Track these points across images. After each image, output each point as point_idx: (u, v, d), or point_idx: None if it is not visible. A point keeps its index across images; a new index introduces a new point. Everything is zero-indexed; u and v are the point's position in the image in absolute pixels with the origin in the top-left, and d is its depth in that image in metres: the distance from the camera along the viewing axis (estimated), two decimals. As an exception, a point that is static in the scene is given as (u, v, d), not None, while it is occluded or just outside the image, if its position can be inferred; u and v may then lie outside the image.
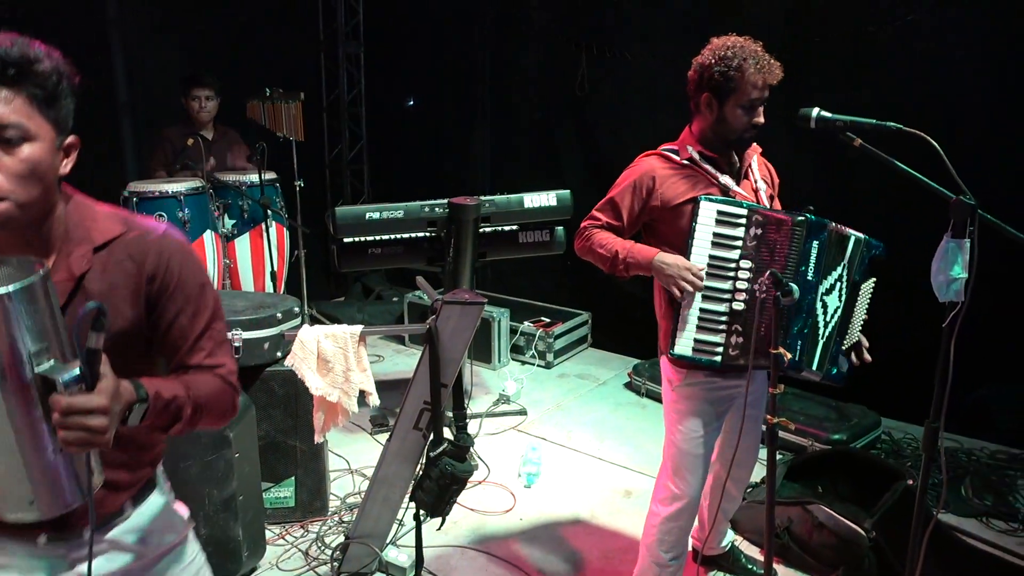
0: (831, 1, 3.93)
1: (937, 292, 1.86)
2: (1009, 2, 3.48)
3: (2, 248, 1.19)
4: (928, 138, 1.83)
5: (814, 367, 2.17)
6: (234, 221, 4.17)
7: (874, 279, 2.29)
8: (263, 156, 4.00)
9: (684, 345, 2.12)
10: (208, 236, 3.92)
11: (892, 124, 1.91)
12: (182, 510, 1.49)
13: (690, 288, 2.06)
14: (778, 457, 3.36)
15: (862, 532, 2.63)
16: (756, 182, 2.29)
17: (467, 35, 5.48)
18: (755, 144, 2.31)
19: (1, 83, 1.10)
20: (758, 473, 3.06)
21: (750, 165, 2.28)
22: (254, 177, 4.10)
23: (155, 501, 1.42)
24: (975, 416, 3.69)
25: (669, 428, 2.29)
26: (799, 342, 2.13)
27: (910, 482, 2.84)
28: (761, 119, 2.15)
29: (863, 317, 2.30)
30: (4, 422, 1.04)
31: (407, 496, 2.44)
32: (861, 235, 2.22)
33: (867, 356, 2.28)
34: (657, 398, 4.19)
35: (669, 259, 2.10)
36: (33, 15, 4.32)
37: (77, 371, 1.05)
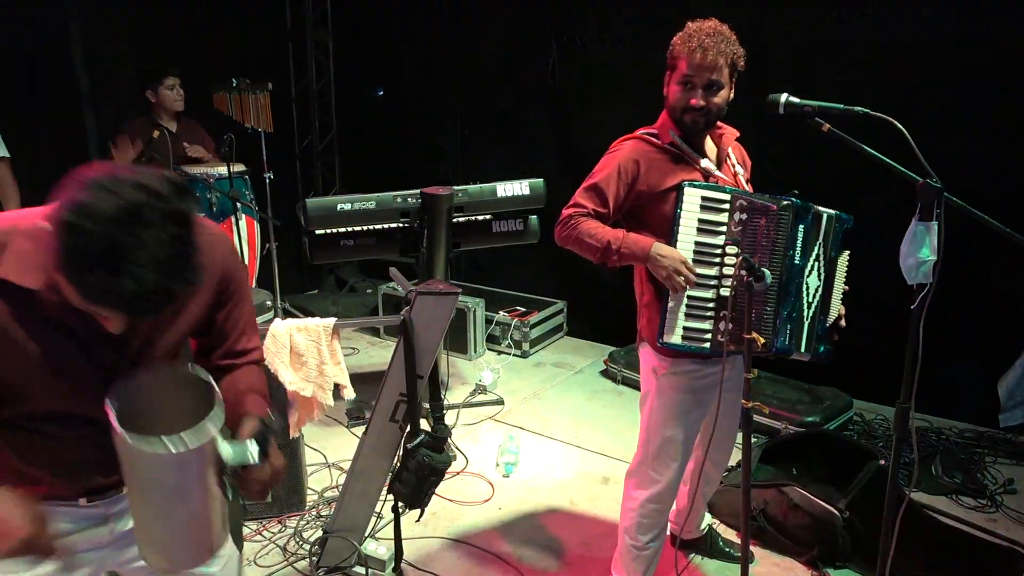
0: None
1: (906, 274, 1.89)
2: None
3: None
4: (894, 122, 1.85)
5: (803, 349, 2.20)
6: (203, 214, 4.09)
7: (848, 251, 2.32)
8: (231, 148, 3.94)
9: (675, 335, 2.11)
10: (176, 230, 3.85)
11: (859, 108, 1.92)
12: None
13: (683, 282, 2.05)
14: (753, 440, 3.41)
15: (836, 512, 2.67)
16: (734, 166, 2.31)
17: (436, 23, 5.43)
18: (734, 129, 2.32)
19: None
20: (734, 457, 3.09)
21: (727, 150, 2.29)
22: (222, 169, 4.04)
23: None
24: (944, 395, 3.77)
25: (651, 416, 2.29)
26: (788, 326, 2.15)
27: (882, 462, 2.89)
28: (700, 102, 2.10)
29: (843, 289, 2.33)
30: (201, 512, 1.24)
31: (385, 489, 2.43)
32: (832, 211, 2.24)
33: (841, 322, 2.32)
34: (634, 385, 4.22)
35: (665, 251, 2.07)
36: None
37: (259, 449, 1.28)
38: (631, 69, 4.42)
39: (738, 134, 2.34)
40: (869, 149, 1.89)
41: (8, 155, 3.67)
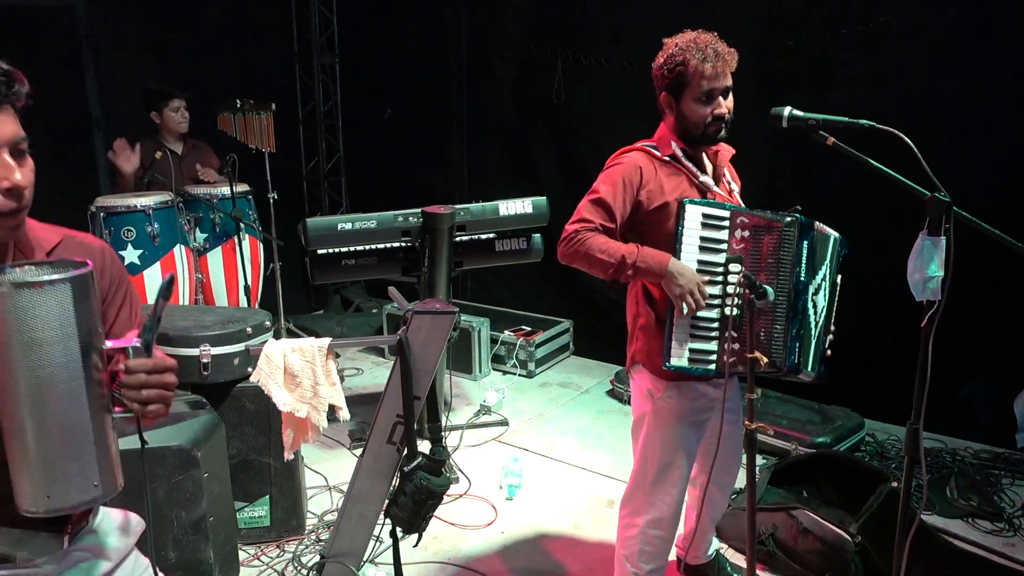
0: (804, 3, 3.93)
1: (914, 291, 1.84)
2: (980, 1, 3.49)
3: None
4: (900, 135, 1.81)
5: (809, 368, 2.15)
6: (206, 235, 4.10)
7: (840, 275, 2.29)
8: (234, 168, 3.93)
9: (680, 357, 2.05)
10: (178, 250, 3.84)
11: (864, 121, 1.89)
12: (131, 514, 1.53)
13: (694, 305, 1.99)
14: (762, 462, 3.34)
15: (847, 537, 2.59)
16: (730, 183, 2.27)
17: (442, 45, 5.45)
18: (729, 146, 2.28)
19: (5, 101, 1.16)
20: (741, 479, 3.02)
21: (723, 167, 2.26)
22: (225, 190, 4.03)
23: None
24: (958, 415, 3.68)
25: (647, 441, 2.23)
26: (797, 344, 2.10)
27: (894, 484, 2.81)
28: (723, 110, 2.09)
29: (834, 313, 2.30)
30: (80, 406, 1.10)
31: (383, 512, 2.38)
32: (836, 234, 2.21)
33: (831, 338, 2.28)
34: (640, 405, 4.15)
35: (684, 269, 2.01)
36: (4, 31, 4.25)
37: (142, 340, 1.17)
38: (634, 88, 4.40)
39: (733, 152, 2.30)
40: (875, 163, 1.84)
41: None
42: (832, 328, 2.26)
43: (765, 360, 1.87)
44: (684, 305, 2.00)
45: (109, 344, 1.17)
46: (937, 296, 1.79)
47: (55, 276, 1.06)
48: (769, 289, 1.89)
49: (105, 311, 1.36)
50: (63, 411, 1.09)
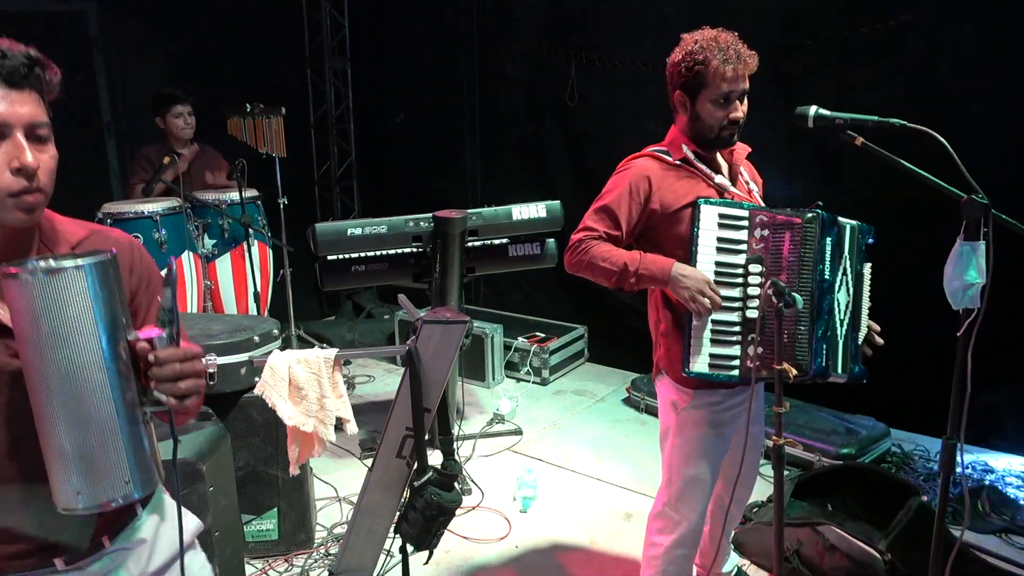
0: (823, 1, 3.83)
1: (951, 299, 1.74)
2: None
3: (2, 253, 1.16)
4: (935, 134, 1.72)
5: (839, 370, 2.05)
6: (215, 241, 4.04)
7: (870, 263, 2.18)
8: (243, 173, 3.88)
9: (700, 363, 1.98)
10: (187, 257, 3.80)
11: (896, 120, 1.80)
12: (188, 515, 1.46)
13: (708, 304, 1.92)
14: (784, 473, 3.23)
15: (876, 554, 2.48)
16: (748, 183, 2.19)
17: (454, 48, 5.38)
18: (745, 145, 2.20)
19: (28, 85, 1.13)
20: (761, 491, 2.93)
21: (739, 166, 2.17)
22: (234, 195, 3.98)
23: (160, 502, 1.42)
24: (989, 425, 3.55)
25: (672, 454, 2.15)
26: (824, 346, 2.00)
27: (924, 498, 2.70)
28: (739, 114, 2.01)
29: (867, 305, 2.18)
30: (107, 400, 1.08)
31: (393, 527, 2.30)
32: (854, 222, 2.11)
33: (878, 340, 2.17)
34: (657, 414, 4.05)
35: (688, 271, 1.94)
36: (15, 35, 4.20)
37: (167, 330, 1.12)
38: (649, 89, 4.30)
39: (749, 150, 2.21)
40: (908, 164, 1.75)
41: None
42: (868, 323, 2.15)
43: (794, 372, 1.77)
44: (696, 308, 1.93)
45: (135, 335, 1.12)
46: (976, 304, 1.70)
47: (72, 263, 1.04)
48: (798, 297, 1.80)
49: (135, 308, 1.31)
50: (89, 405, 1.07)
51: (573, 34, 4.73)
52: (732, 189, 2.09)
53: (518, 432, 3.99)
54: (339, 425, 2.14)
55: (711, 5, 3.97)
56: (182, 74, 4.84)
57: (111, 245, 1.27)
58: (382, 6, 5.78)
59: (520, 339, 4.72)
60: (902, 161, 1.77)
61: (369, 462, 3.59)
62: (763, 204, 2.17)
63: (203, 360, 1.18)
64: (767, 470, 2.71)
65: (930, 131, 1.69)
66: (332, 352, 2.03)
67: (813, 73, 3.85)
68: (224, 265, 4.08)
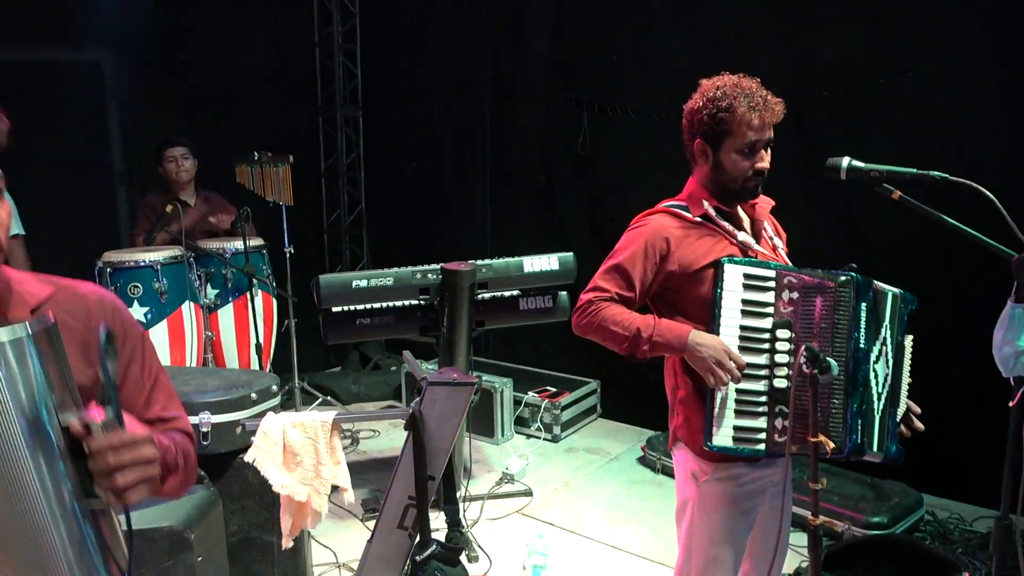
0: (840, 52, 3.76)
1: (1001, 366, 1.61)
2: (1021, 48, 3.29)
3: None
4: (981, 188, 1.60)
5: (875, 448, 1.88)
6: (217, 291, 3.95)
7: (911, 336, 2.03)
8: (247, 221, 3.80)
9: (723, 435, 1.82)
10: (187, 307, 3.69)
11: (936, 173, 1.68)
12: None
13: (727, 378, 1.78)
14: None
15: (918, 639, 2.29)
16: (772, 238, 2.06)
17: (466, 98, 5.36)
18: (768, 198, 2.07)
19: None
20: (788, 561, 2.73)
21: (763, 221, 2.05)
22: (238, 244, 3.90)
23: None
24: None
25: (691, 530, 1.98)
26: (859, 421, 1.84)
27: (966, 574, 2.50)
28: (765, 164, 1.89)
29: (908, 380, 2.03)
30: (36, 494, 0.93)
31: (392, 605, 2.13)
32: (896, 289, 1.96)
33: (918, 424, 2.00)
34: (674, 474, 3.86)
35: (705, 339, 1.80)
36: (31, 84, 4.22)
37: (111, 411, 0.97)
38: (663, 139, 4.23)
39: (773, 203, 2.08)
40: (951, 220, 1.63)
41: (23, 232, 3.56)
42: (908, 403, 2.00)
43: (832, 445, 1.62)
44: (714, 379, 1.78)
45: (73, 417, 0.97)
46: (1030, 372, 1.56)
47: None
48: (833, 363, 1.65)
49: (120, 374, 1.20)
50: (8, 509, 0.92)
51: (586, 84, 4.69)
52: (756, 247, 1.96)
53: (528, 493, 3.81)
54: (336, 488, 2.00)
55: (727, 52, 3.92)
56: (195, 123, 4.83)
57: (79, 303, 1.17)
58: (395, 56, 5.78)
59: (531, 393, 4.56)
60: (945, 217, 1.65)
61: (371, 524, 3.43)
62: (789, 262, 2.03)
63: (153, 444, 1.02)
64: (796, 538, 2.53)
65: (976, 186, 1.58)
66: (330, 415, 1.90)
67: (831, 124, 3.76)
68: (226, 315, 3.98)
